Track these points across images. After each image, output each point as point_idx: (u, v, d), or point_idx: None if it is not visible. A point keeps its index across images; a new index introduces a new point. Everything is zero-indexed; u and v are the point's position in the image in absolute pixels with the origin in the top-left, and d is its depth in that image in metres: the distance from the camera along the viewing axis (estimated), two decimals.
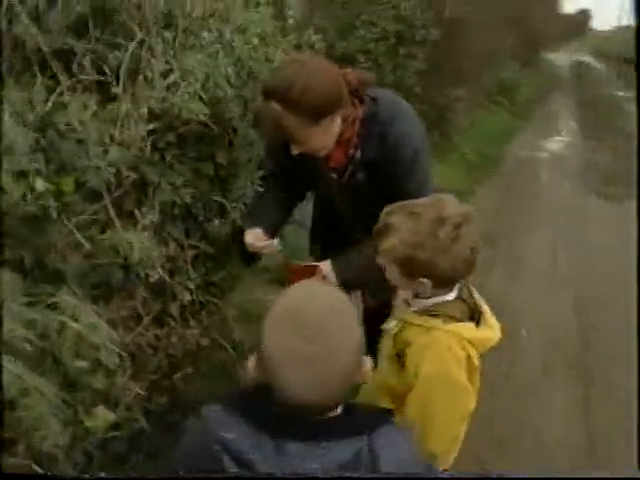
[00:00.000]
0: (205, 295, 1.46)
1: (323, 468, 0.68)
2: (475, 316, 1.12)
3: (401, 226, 0.99)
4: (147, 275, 1.10)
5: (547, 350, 2.55)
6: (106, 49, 1.13)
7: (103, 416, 0.98)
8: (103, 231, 1.10)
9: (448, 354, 1.06)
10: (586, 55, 20.78)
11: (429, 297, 1.09)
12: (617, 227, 3.96)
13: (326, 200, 1.54)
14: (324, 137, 1.25)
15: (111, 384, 0.97)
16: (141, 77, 1.08)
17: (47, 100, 0.99)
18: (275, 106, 1.15)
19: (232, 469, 0.67)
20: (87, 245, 0.98)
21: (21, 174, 0.85)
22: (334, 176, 1.40)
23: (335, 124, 1.26)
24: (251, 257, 1.50)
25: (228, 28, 1.36)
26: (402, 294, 1.20)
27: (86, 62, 1.08)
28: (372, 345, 1.22)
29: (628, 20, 25.87)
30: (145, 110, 1.03)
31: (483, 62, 5.76)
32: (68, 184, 0.90)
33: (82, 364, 0.86)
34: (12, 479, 0.64)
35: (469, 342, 1.07)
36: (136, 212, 1.09)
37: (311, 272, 1.35)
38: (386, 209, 1.05)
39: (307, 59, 1.24)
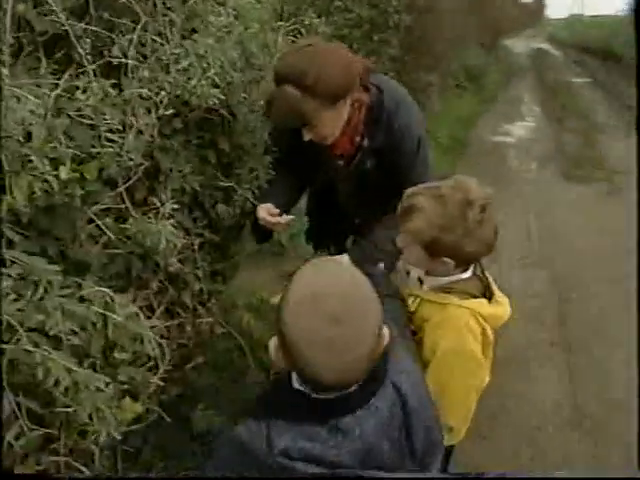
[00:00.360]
0: (212, 283, 1.45)
1: (377, 423, 0.71)
2: (487, 293, 1.16)
3: (428, 208, 1.01)
4: (167, 265, 1.08)
5: (529, 325, 2.67)
6: (109, 32, 1.09)
7: (131, 408, 0.97)
8: (118, 219, 1.07)
9: (464, 329, 1.10)
10: (542, 42, 21.40)
11: (445, 275, 1.13)
12: (586, 208, 4.16)
13: (327, 188, 1.55)
14: (336, 121, 1.26)
15: (149, 376, 0.95)
16: (152, 61, 1.05)
17: (56, 85, 0.95)
18: (292, 90, 1.15)
19: (302, 468, 0.67)
20: (111, 235, 0.95)
21: (35, 162, 0.82)
22: (341, 163, 1.42)
23: (346, 108, 1.26)
24: (264, 235, 1.49)
25: (226, 12, 1.33)
26: (415, 272, 1.24)
27: (87, 45, 1.04)
28: None
29: (579, 9, 26.78)
30: (164, 95, 1.00)
31: (451, 48, 5.85)
32: (91, 171, 0.87)
33: (124, 356, 0.84)
34: (12, 479, 0.62)
35: (483, 318, 1.11)
36: (155, 200, 1.06)
37: None
38: (410, 190, 1.08)
39: (319, 42, 1.25)
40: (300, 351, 0.67)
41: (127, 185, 1.05)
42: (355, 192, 1.46)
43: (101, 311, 0.80)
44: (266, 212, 1.38)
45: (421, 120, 1.37)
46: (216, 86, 1.09)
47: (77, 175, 0.86)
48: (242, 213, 1.52)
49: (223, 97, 1.14)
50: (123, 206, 1.05)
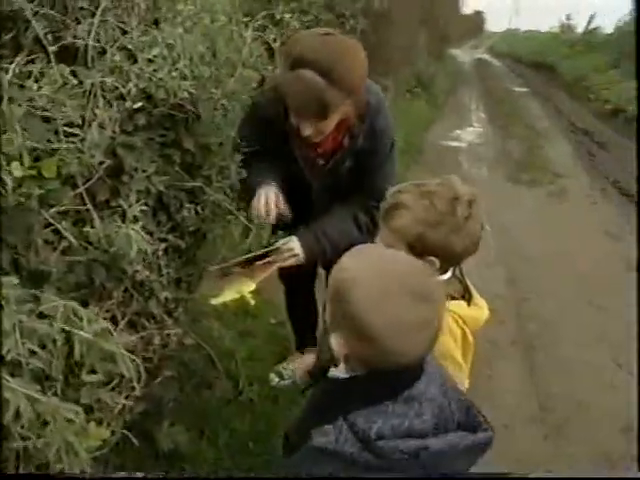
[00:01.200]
0: (178, 291, 1.35)
1: (438, 384, 0.73)
2: (466, 295, 1.15)
3: (414, 204, 0.98)
4: (134, 272, 0.98)
5: (490, 325, 2.72)
6: (63, 16, 0.99)
7: (97, 434, 0.86)
8: (77, 223, 0.96)
9: (446, 333, 1.08)
10: (483, 53, 22.43)
11: None
12: (534, 209, 4.35)
13: (298, 185, 1.49)
14: (339, 118, 1.22)
15: (116, 397, 0.85)
16: (115, 49, 0.95)
17: (5, 71, 0.84)
18: (317, 78, 1.09)
19: (403, 447, 0.65)
20: (72, 240, 0.84)
21: None
22: (320, 162, 1.37)
23: (349, 107, 1.22)
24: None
25: (192, 1, 1.25)
26: None
27: (41, 28, 0.93)
28: None
29: (515, 24, 28.31)
30: (130, 87, 0.91)
31: (404, 55, 5.97)
32: (50, 169, 0.77)
33: (93, 378, 0.74)
34: (12, 479, 0.57)
35: (463, 320, 1.10)
36: (120, 202, 0.96)
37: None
38: (395, 188, 1.04)
39: (337, 34, 1.20)
40: (387, 335, 0.66)
41: (88, 185, 0.94)
42: (328, 190, 1.43)
43: (66, 328, 0.70)
44: (275, 197, 1.31)
45: (393, 124, 1.38)
46: (184, 79, 1.00)
47: (33, 173, 0.76)
48: (211, 217, 1.44)
49: (193, 91, 1.05)
50: (84, 208, 0.95)
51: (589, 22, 12.87)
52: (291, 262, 1.34)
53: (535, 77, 13.00)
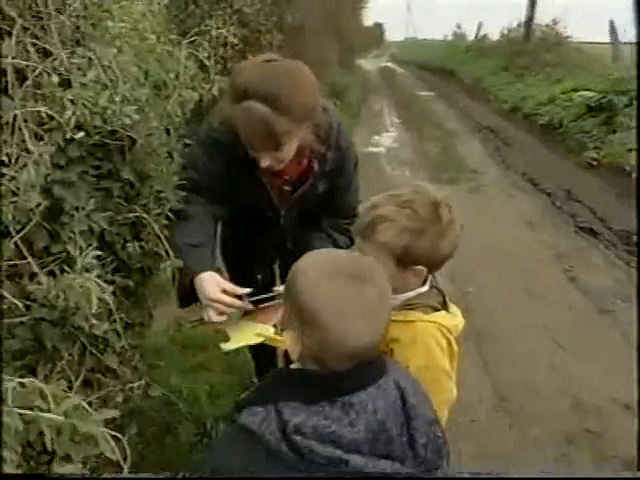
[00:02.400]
0: (132, 337, 1.21)
1: (386, 402, 0.70)
2: (445, 305, 1.14)
3: (397, 216, 0.96)
4: (92, 326, 0.84)
5: None
6: None
7: None
8: (10, 278, 0.82)
9: (433, 344, 1.06)
10: (387, 62, 23.53)
11: (409, 289, 1.08)
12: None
13: (265, 213, 1.41)
14: (297, 143, 1.17)
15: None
16: (39, 74, 0.83)
17: None
18: (263, 108, 1.04)
19: (320, 450, 0.63)
20: (15, 301, 0.71)
21: None
22: (287, 188, 1.32)
23: (306, 132, 1.18)
24: (190, 297, 1.25)
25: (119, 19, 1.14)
26: None
27: None
28: None
29: (413, 33, 30.10)
30: (69, 116, 0.79)
31: (319, 67, 6.06)
32: None
33: (69, 469, 0.61)
34: (12, 479, 0.49)
35: (447, 329, 1.09)
36: (63, 247, 0.83)
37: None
38: (369, 203, 1.01)
39: (280, 58, 1.15)
40: (328, 317, 0.66)
41: (24, 232, 0.81)
42: (298, 216, 1.38)
43: (26, 412, 0.57)
44: (217, 287, 1.15)
45: (347, 134, 1.35)
46: (127, 103, 0.89)
47: None
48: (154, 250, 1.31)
49: (137, 116, 0.94)
50: (23, 261, 0.81)
51: (478, 30, 13.98)
52: None
53: (437, 81, 13.84)
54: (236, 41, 1.56)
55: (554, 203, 4.62)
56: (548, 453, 1.85)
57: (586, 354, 2.44)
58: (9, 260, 0.81)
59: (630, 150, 4.80)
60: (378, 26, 28.78)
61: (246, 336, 1.18)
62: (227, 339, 1.23)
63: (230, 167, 1.25)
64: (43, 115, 0.80)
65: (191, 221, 1.27)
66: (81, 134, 0.84)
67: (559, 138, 6.06)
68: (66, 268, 0.86)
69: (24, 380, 0.61)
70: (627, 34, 7.27)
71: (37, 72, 0.85)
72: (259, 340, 1.15)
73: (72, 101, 0.82)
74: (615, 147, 5.02)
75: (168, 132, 1.40)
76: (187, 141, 1.50)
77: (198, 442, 1.58)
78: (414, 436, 0.71)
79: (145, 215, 1.22)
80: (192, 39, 1.33)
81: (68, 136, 0.83)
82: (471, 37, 15.13)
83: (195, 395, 1.73)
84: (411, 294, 1.07)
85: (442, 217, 0.96)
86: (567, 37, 9.10)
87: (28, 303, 0.79)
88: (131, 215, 1.15)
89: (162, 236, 1.26)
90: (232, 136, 1.17)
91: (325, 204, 1.35)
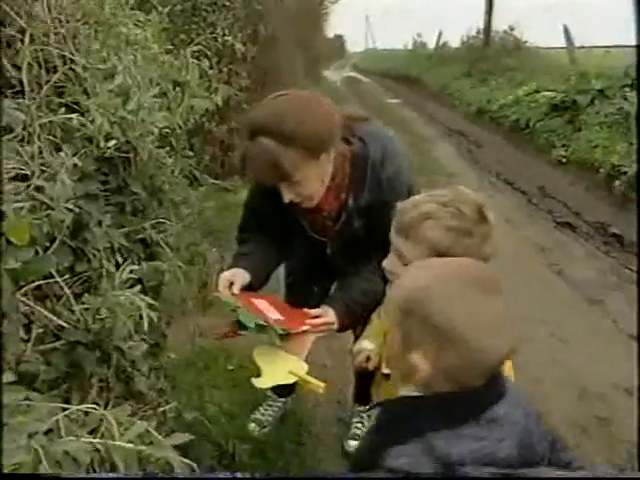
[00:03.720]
0: (153, 358, 1.15)
1: (523, 410, 0.68)
2: None
3: (442, 214, 0.94)
4: (130, 347, 0.79)
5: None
6: None
7: None
8: (44, 299, 0.76)
9: None
10: (350, 71, 23.88)
11: None
12: None
13: (310, 250, 1.40)
14: (320, 178, 1.15)
15: None
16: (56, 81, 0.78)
17: None
18: (268, 142, 1.04)
19: (481, 474, 0.60)
20: (60, 322, 0.65)
21: None
22: (329, 223, 1.30)
23: (330, 163, 1.16)
24: None
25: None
26: None
27: None
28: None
29: (373, 44, 30.73)
30: (101, 124, 0.74)
31: (289, 78, 6.09)
32: (21, 234, 0.59)
33: None
34: (12, 479, 0.45)
35: None
36: (104, 263, 0.78)
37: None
38: (409, 203, 0.99)
39: (294, 91, 1.15)
40: (468, 333, 0.63)
41: (52, 249, 0.75)
42: (343, 248, 1.34)
43: (98, 441, 0.53)
44: (227, 283, 1.19)
45: (408, 167, 1.28)
46: (155, 112, 0.85)
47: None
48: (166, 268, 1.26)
49: (167, 124, 0.91)
50: (51, 280, 0.75)
51: (438, 38, 14.38)
52: (325, 333, 1.25)
53: (403, 89, 14.11)
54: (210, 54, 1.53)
55: (530, 200, 4.74)
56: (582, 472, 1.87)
57: (583, 344, 2.50)
58: (33, 281, 0.75)
59: (596, 147, 5.00)
60: (338, 38, 29.30)
61: (279, 372, 1.11)
62: (259, 372, 1.14)
63: (273, 206, 1.25)
64: (64, 123, 0.75)
65: (246, 244, 1.34)
66: (112, 142, 0.80)
67: (527, 138, 6.25)
68: (98, 286, 0.81)
69: (81, 407, 0.56)
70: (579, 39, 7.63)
71: (54, 78, 0.81)
72: (292, 380, 1.10)
73: (98, 109, 0.77)
74: (582, 144, 5.21)
75: (171, 144, 1.37)
76: (189, 153, 1.47)
77: (217, 464, 1.52)
78: (537, 433, 0.70)
79: (154, 233, 1.17)
80: (193, 48, 1.31)
81: (102, 145, 0.78)
82: (431, 45, 15.54)
83: (206, 415, 1.66)
84: None
85: (488, 219, 0.95)
86: (525, 42, 9.47)
87: (62, 326, 0.74)
88: (145, 231, 1.10)
89: (174, 252, 1.22)
90: None
91: (371, 237, 1.27)
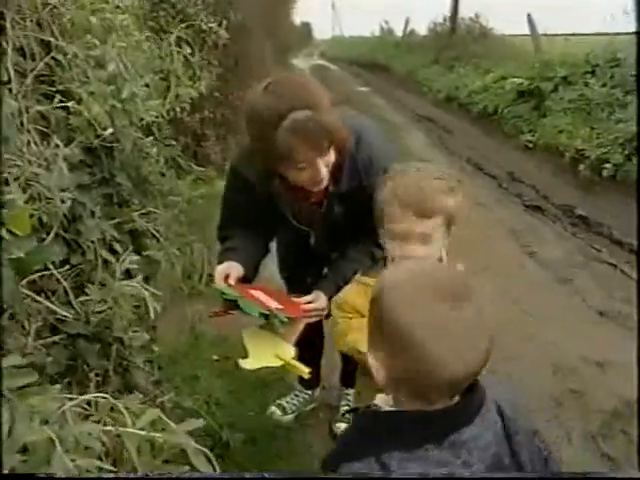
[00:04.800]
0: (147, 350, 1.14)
1: (494, 434, 0.64)
2: None
3: (458, 190, 1.08)
4: (131, 337, 0.78)
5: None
6: None
7: None
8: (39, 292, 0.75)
9: None
10: (318, 59, 23.71)
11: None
12: None
13: (295, 238, 1.44)
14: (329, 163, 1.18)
15: None
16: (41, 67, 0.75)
17: None
18: (307, 113, 1.07)
19: None
20: (65, 313, 0.64)
21: None
22: (316, 208, 1.33)
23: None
24: None
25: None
26: None
27: None
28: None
29: (340, 30, 30.54)
30: (98, 110, 0.72)
31: (259, 66, 6.01)
32: (23, 224, 0.57)
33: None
34: (12, 479, 0.45)
35: None
36: (105, 255, 0.77)
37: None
38: (429, 176, 1.06)
39: (274, 79, 1.16)
40: (425, 340, 0.59)
41: (49, 239, 0.74)
42: (327, 236, 1.38)
43: (110, 428, 0.53)
44: (223, 276, 1.20)
45: (387, 150, 1.31)
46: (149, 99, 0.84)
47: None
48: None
49: (163, 112, 0.89)
50: (46, 273, 0.74)
51: (406, 25, 14.42)
52: (317, 318, 1.28)
53: (371, 77, 14.13)
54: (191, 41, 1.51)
55: (500, 185, 4.87)
56: (540, 417, 1.96)
57: (555, 321, 2.61)
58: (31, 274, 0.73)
59: (560, 132, 5.16)
60: (305, 25, 29.03)
61: (265, 354, 1.14)
62: (246, 355, 1.16)
63: (254, 197, 1.28)
64: (56, 111, 0.73)
65: (232, 239, 1.34)
66: (110, 131, 0.78)
67: (495, 124, 6.39)
68: (92, 278, 0.80)
69: (87, 397, 0.55)
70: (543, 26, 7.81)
71: (40, 65, 0.78)
72: (279, 363, 1.12)
73: (88, 99, 0.75)
74: (547, 130, 5.37)
75: (153, 134, 1.34)
76: (172, 142, 1.44)
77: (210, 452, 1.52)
78: (518, 453, 0.66)
79: (143, 223, 1.15)
80: (175, 35, 1.28)
81: (100, 134, 0.76)
82: (398, 32, 15.58)
83: (197, 405, 1.66)
84: None
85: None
86: (490, 29, 9.61)
87: (62, 318, 0.72)
88: (134, 221, 1.09)
89: (163, 242, 1.21)
90: (253, 170, 1.24)
91: (356, 222, 1.31)
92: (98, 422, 0.57)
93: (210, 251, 1.44)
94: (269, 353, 1.13)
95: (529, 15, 8.27)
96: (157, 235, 1.06)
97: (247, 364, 1.11)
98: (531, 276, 3.13)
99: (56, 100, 0.71)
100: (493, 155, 5.71)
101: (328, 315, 1.32)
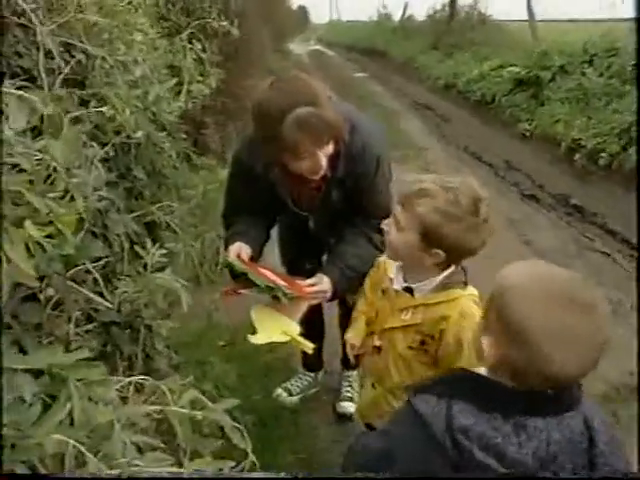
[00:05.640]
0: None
1: (563, 438, 0.67)
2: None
3: (438, 195, 1.01)
4: (159, 325, 0.84)
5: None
6: None
7: None
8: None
9: (477, 317, 1.13)
10: (315, 44, 23.47)
11: (417, 270, 1.14)
12: None
13: (298, 218, 1.49)
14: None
15: None
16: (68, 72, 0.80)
17: None
18: (310, 109, 1.13)
19: (480, 457, 0.63)
20: (107, 304, 0.70)
21: None
22: (315, 194, 1.40)
23: None
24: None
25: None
26: (398, 284, 1.21)
27: None
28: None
29: (337, 15, 30.16)
30: (129, 113, 0.77)
31: (259, 52, 5.99)
32: (70, 224, 0.63)
33: (201, 462, 0.62)
34: (12, 479, 0.51)
35: (479, 299, 1.17)
36: (137, 250, 0.82)
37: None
38: (417, 177, 1.09)
39: (277, 78, 1.23)
40: (538, 340, 0.64)
41: (81, 235, 0.79)
42: (325, 221, 1.46)
43: (156, 408, 0.59)
44: (236, 254, 1.27)
45: (380, 139, 1.38)
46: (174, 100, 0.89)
47: (50, 231, 0.61)
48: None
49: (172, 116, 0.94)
50: (82, 267, 0.79)
51: (404, 11, 14.31)
52: (320, 300, 1.35)
53: (369, 62, 14.04)
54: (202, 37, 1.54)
55: (497, 173, 4.93)
56: None
57: None
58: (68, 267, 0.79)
59: (557, 121, 5.20)
60: (302, 9, 28.70)
61: (273, 331, 1.21)
62: (254, 331, 1.24)
63: (255, 185, 1.35)
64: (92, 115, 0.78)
65: (237, 224, 1.41)
66: (140, 133, 0.83)
67: (493, 112, 6.42)
68: (115, 270, 0.85)
69: (133, 379, 0.61)
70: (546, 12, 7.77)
71: (67, 69, 0.82)
72: (285, 339, 1.20)
73: (122, 99, 0.79)
74: (544, 119, 5.41)
75: (165, 128, 1.38)
76: (182, 135, 1.49)
77: None
78: (595, 466, 0.68)
79: (162, 216, 1.20)
80: (187, 32, 1.31)
81: (132, 136, 0.81)
82: (396, 18, 15.45)
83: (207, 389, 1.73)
84: (445, 274, 1.13)
85: (480, 212, 1.02)
86: (489, 16, 9.58)
87: (97, 308, 0.78)
88: (153, 214, 1.14)
89: (180, 234, 1.26)
90: (255, 157, 1.30)
91: (353, 207, 1.39)
92: (144, 402, 0.62)
93: (221, 240, 1.49)
94: (276, 329, 1.20)
95: (528, 2, 8.25)
96: (175, 228, 1.11)
97: (256, 339, 1.19)
98: None
99: (92, 104, 0.76)
100: (490, 144, 5.75)
101: (332, 299, 1.40)
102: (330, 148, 1.24)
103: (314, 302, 1.35)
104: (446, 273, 1.12)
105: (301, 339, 1.21)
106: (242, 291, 1.25)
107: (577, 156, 4.43)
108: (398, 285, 1.18)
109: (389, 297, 1.21)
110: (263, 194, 1.37)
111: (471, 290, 1.13)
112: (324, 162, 1.24)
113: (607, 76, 5.11)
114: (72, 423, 0.55)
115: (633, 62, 4.84)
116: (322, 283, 1.32)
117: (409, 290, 1.16)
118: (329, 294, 1.34)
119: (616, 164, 4.00)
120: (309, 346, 1.21)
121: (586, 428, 0.69)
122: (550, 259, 3.24)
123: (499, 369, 0.70)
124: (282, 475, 0.58)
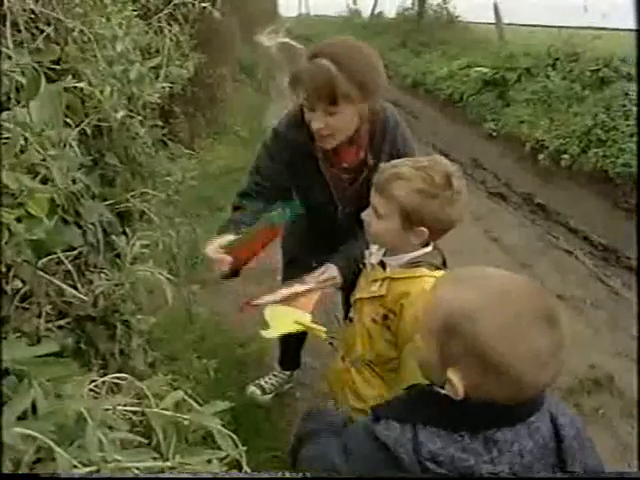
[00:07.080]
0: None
1: (536, 445, 0.65)
2: (444, 264, 1.24)
3: (413, 177, 1.04)
4: (139, 320, 0.79)
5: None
6: None
7: None
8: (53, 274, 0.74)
9: None
10: (284, 37, 23.22)
11: (408, 250, 1.16)
12: None
13: (324, 210, 1.45)
14: (351, 123, 1.23)
15: None
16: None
17: None
18: (327, 63, 1.14)
19: None
20: (81, 296, 0.64)
21: None
22: (345, 177, 1.37)
23: (362, 113, 1.23)
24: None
25: None
26: (374, 257, 1.23)
27: None
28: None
29: (306, 9, 30.00)
30: (109, 91, 0.71)
31: (229, 42, 5.86)
32: (41, 205, 0.57)
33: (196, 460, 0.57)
34: (12, 479, 0.48)
35: None
36: (114, 239, 0.76)
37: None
38: (389, 163, 1.10)
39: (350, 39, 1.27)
40: (510, 362, 0.60)
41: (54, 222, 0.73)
42: (354, 212, 1.37)
43: (136, 409, 0.54)
44: (215, 248, 1.22)
45: (411, 139, 1.40)
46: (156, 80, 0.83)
47: (19, 213, 0.55)
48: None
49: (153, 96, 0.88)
50: (54, 257, 0.73)
51: (374, 7, 14.35)
52: (330, 289, 1.33)
53: None
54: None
55: (465, 171, 5.01)
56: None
57: None
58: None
59: (522, 122, 5.35)
60: (271, 2, 28.30)
61: (285, 324, 1.20)
62: (266, 326, 1.22)
63: (293, 162, 1.33)
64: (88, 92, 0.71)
65: (244, 211, 1.36)
66: (121, 114, 0.77)
67: (460, 111, 6.54)
68: (89, 262, 0.80)
69: (108, 378, 0.56)
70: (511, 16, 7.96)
71: (39, 39, 0.75)
72: (298, 329, 1.18)
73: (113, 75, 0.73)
74: (510, 119, 5.55)
75: (139, 113, 1.31)
76: (157, 122, 1.42)
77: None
78: (566, 463, 0.66)
79: (138, 204, 1.14)
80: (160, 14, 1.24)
81: (112, 116, 0.75)
82: (365, 14, 15.48)
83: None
84: (417, 253, 1.16)
85: (453, 185, 1.04)
86: (457, 17, 9.73)
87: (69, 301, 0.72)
88: (128, 203, 1.07)
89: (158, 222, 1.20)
90: (297, 131, 1.29)
91: None
92: (123, 405, 0.58)
93: (196, 233, 1.43)
94: (288, 321, 1.19)
95: (495, 4, 8.43)
96: (152, 216, 1.05)
97: (268, 334, 1.18)
98: (495, 260, 3.27)
99: (68, 79, 0.69)
100: (457, 142, 5.86)
101: (341, 288, 1.39)
102: (344, 119, 1.22)
103: (327, 291, 1.35)
104: (419, 252, 1.13)
105: (314, 325, 1.21)
106: (258, 302, 1.24)
107: (541, 156, 4.57)
108: (375, 259, 1.21)
109: (366, 270, 1.24)
110: (295, 175, 1.35)
111: (441, 273, 1.14)
112: (321, 124, 1.22)
113: (569, 80, 5.29)
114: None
115: (592, 68, 5.04)
116: (329, 270, 1.31)
117: (383, 264, 1.19)
118: (338, 280, 1.32)
119: (577, 165, 4.15)
120: (322, 330, 1.21)
121: (553, 426, 0.67)
122: (516, 256, 3.33)
123: (470, 394, 0.65)
124: (282, 475, 0.54)
